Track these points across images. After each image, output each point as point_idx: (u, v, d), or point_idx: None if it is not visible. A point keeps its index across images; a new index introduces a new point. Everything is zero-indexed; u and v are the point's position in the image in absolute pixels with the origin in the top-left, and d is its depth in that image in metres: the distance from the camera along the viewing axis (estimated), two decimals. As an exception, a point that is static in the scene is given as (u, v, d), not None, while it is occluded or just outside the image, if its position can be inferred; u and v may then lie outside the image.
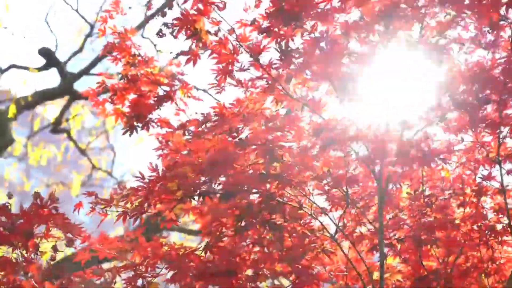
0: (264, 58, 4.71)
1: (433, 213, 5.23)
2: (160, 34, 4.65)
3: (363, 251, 5.43)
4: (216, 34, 4.63)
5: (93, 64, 11.97)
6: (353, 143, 4.59)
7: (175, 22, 4.56)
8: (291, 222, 5.13)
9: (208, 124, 4.74)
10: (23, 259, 4.40)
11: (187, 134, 5.75)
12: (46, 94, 11.36)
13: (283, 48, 4.61)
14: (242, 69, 4.74)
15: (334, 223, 5.13)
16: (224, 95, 5.04)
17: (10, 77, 12.32)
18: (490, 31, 4.70)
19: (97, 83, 5.87)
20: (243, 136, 4.73)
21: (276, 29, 4.60)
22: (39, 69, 11.73)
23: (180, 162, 4.75)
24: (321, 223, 5.10)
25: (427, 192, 5.37)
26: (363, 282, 5.06)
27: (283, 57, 4.64)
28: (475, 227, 5.26)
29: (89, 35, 12.66)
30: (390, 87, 4.75)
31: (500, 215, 5.25)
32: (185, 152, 4.95)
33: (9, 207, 4.32)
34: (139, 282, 4.79)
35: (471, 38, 4.78)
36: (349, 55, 4.62)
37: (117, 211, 4.75)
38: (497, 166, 5.07)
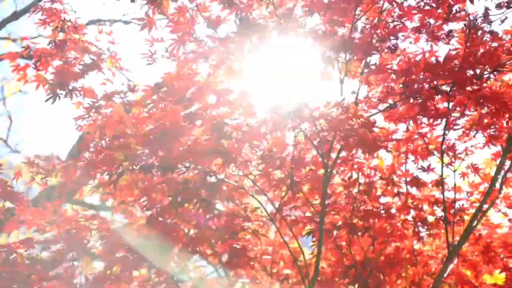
0: (221, 31, 4.57)
1: (370, 201, 5.21)
2: (119, -5, 4.44)
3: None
4: (175, 0, 4.45)
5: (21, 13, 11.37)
6: (306, 122, 4.48)
7: (134, -15, 4.36)
8: (228, 201, 5.04)
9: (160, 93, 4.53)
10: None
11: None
12: None
13: (243, 21, 4.47)
14: (197, 40, 4.57)
15: (273, 205, 5.06)
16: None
17: None
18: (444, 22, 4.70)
19: (22, 47, 5.60)
20: (193, 109, 4.56)
21: (237, 1, 4.46)
22: None
23: (124, 132, 4.55)
24: (259, 202, 5.03)
25: (362, 180, 5.35)
26: (298, 266, 5.02)
27: (241, 30, 4.50)
28: (409, 218, 5.28)
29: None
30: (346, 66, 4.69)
31: (435, 208, 5.28)
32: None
33: None
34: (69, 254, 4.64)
35: (422, 26, 4.76)
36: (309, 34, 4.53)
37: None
38: (435, 159, 5.09)
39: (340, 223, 5.17)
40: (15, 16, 11.39)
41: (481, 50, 4.64)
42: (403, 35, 4.75)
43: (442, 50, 4.86)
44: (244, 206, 5.18)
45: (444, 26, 4.77)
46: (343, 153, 5.00)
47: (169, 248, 4.68)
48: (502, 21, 4.76)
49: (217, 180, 4.85)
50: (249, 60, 4.66)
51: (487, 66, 4.49)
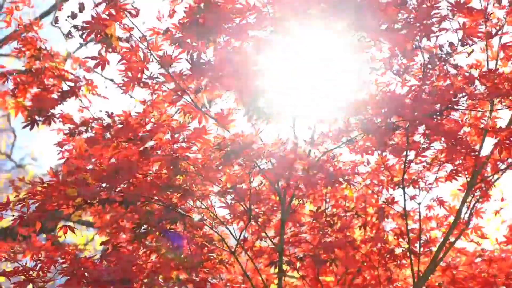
0: (174, 69, 4.60)
1: (335, 233, 5.23)
2: (69, 36, 4.49)
3: (261, 263, 5.42)
4: (127, 40, 4.49)
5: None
6: (259, 159, 4.52)
7: (85, 25, 4.41)
8: (191, 232, 5.09)
9: (112, 131, 4.59)
10: None
11: (89, 131, 5.63)
12: None
13: (195, 60, 4.50)
14: (151, 78, 4.62)
15: (234, 236, 5.10)
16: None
17: None
18: (403, 58, 4.69)
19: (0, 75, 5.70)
20: (148, 145, 4.61)
21: (188, 41, 4.49)
22: None
23: (81, 167, 4.62)
24: (219, 235, 5.06)
25: (329, 211, 5.37)
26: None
27: (194, 69, 4.54)
28: (374, 249, 5.29)
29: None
30: (300, 106, 4.71)
31: (401, 240, 5.29)
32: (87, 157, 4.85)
33: None
34: (29, 286, 4.69)
35: (384, 59, 4.76)
36: (260, 71, 4.55)
37: (13, 215, 4.60)
38: (401, 191, 5.09)
39: (302, 255, 5.19)
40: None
41: (445, 83, 4.67)
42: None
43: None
44: (209, 237, 5.22)
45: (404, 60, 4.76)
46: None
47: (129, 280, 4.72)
48: (469, 54, 4.75)
49: (177, 213, 4.90)
50: (202, 96, 4.70)
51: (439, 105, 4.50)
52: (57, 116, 5.66)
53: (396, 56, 4.72)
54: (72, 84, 5.52)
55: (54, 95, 5.60)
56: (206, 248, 5.18)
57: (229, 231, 5.05)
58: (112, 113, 5.83)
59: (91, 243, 11.74)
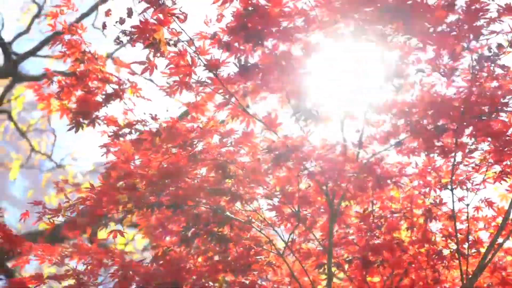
0: (222, 73, 4.60)
1: (382, 234, 5.20)
2: (117, 41, 4.50)
3: (307, 264, 5.40)
4: (175, 45, 4.50)
5: (40, 46, 11.67)
6: (308, 162, 4.50)
7: (133, 30, 4.42)
8: (237, 234, 5.10)
9: (160, 137, 4.59)
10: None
11: (133, 133, 5.64)
12: (-11, 74, 11.05)
13: (242, 63, 4.50)
14: (199, 82, 4.62)
15: (281, 238, 5.09)
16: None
17: None
18: (450, 59, 4.65)
19: (44, 78, 5.74)
20: (197, 150, 4.62)
21: (236, 44, 4.50)
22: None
23: (129, 172, 4.63)
24: (267, 237, 5.06)
25: (375, 212, 5.34)
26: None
27: (241, 73, 4.54)
28: (422, 250, 5.25)
29: (36, 15, 12.37)
30: (348, 108, 4.69)
31: (448, 241, 5.25)
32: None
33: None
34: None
35: (429, 61, 4.72)
36: (307, 74, 4.54)
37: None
38: (448, 192, 5.06)
39: (350, 257, 5.17)
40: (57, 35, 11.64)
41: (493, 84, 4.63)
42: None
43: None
44: (257, 239, 5.23)
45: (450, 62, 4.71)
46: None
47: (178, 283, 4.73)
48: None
49: (225, 216, 4.91)
50: (250, 99, 4.70)
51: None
52: (101, 118, 5.69)
53: (442, 57, 4.67)
54: (116, 87, 5.54)
55: (98, 98, 5.63)
56: (252, 250, 5.19)
57: (277, 233, 5.04)
58: (156, 115, 5.85)
59: (132, 242, 11.79)
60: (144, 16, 4.44)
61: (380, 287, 5.42)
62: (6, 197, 17.55)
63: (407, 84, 4.80)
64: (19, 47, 11.73)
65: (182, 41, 4.53)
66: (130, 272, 4.67)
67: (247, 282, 5.00)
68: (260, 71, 4.52)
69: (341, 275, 5.47)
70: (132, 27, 4.43)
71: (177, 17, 4.42)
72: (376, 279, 5.46)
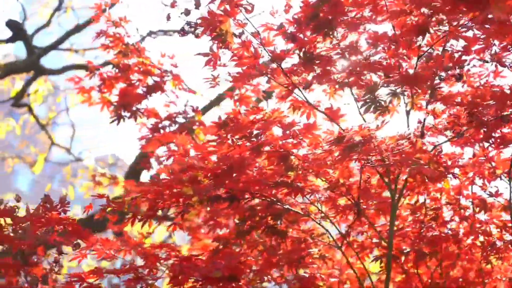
0: (285, 64, 4.58)
1: (437, 226, 5.19)
2: (182, 32, 4.46)
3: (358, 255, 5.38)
4: (239, 36, 4.47)
5: (62, 39, 11.65)
6: (378, 154, 4.44)
7: (199, 22, 4.38)
8: (293, 227, 5.09)
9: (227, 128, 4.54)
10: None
11: (172, 126, 5.62)
12: (13, 67, 10.99)
13: (307, 55, 4.48)
14: (262, 74, 4.59)
15: (339, 231, 5.06)
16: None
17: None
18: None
19: (87, 71, 5.74)
20: (259, 142, 4.58)
21: (301, 35, 4.47)
22: (5, 42, 11.35)
23: (191, 165, 4.60)
24: (326, 230, 5.05)
25: (427, 204, 5.32)
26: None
27: (305, 64, 4.51)
28: (477, 242, 5.24)
29: (57, 9, 12.35)
30: (411, 99, 4.65)
31: (504, 232, 5.23)
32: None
33: (17, 210, 4.10)
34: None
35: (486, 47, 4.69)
36: (375, 64, 4.50)
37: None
38: (503, 183, 5.04)
39: (407, 249, 5.15)
40: (77, 29, 11.68)
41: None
42: (467, 64, 4.69)
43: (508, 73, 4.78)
44: (309, 232, 5.23)
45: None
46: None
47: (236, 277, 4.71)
48: None
49: (283, 208, 4.88)
50: (313, 92, 4.67)
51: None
52: (142, 110, 5.68)
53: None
54: (158, 79, 5.52)
55: (140, 90, 5.61)
56: (305, 243, 5.18)
57: (335, 225, 5.01)
58: (197, 107, 5.83)
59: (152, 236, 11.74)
60: (208, 7, 4.42)
61: (427, 279, 5.40)
62: (11, 190, 17.58)
63: (468, 75, 4.77)
64: (38, 41, 11.67)
65: (247, 32, 4.50)
66: (189, 266, 4.65)
67: (308, 275, 4.98)
68: (324, 62, 4.49)
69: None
70: (199, 18, 4.40)
71: (244, 8, 4.39)
72: (421, 270, 5.44)
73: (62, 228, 4.21)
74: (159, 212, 4.67)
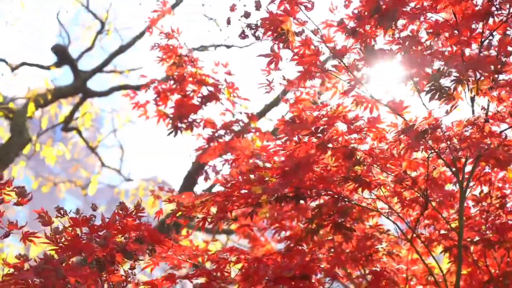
0: (347, 59, 4.60)
1: (505, 214, 5.16)
2: (242, 35, 4.50)
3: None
4: (300, 34, 4.50)
5: (106, 62, 11.78)
6: (447, 141, 4.41)
7: (261, 23, 4.41)
8: (360, 223, 5.10)
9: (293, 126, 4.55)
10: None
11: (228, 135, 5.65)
12: (61, 92, 11.12)
13: (368, 49, 4.50)
14: (323, 70, 4.61)
15: (408, 225, 5.05)
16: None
17: (21, 75, 12.01)
18: None
19: (143, 85, 5.80)
20: (325, 139, 4.59)
21: (361, 30, 4.49)
22: (52, 67, 11.51)
23: (257, 165, 4.63)
24: (396, 224, 5.04)
25: (493, 194, 5.30)
26: (435, 280, 5.05)
27: (367, 58, 4.53)
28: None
29: (100, 32, 12.48)
30: (476, 85, 4.63)
31: None
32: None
33: (94, 219, 4.15)
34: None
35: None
36: (435, 56, 4.49)
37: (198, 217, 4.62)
38: None
39: (476, 238, 5.12)
40: (121, 50, 11.81)
41: None
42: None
43: None
44: (376, 227, 5.23)
45: None
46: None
47: (308, 275, 4.72)
48: None
49: (349, 204, 4.89)
50: (374, 85, 4.68)
51: None
52: (198, 120, 5.71)
53: None
54: (212, 89, 5.55)
55: (195, 101, 5.64)
56: (371, 240, 5.19)
57: (403, 219, 5.00)
58: (252, 114, 5.85)
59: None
60: (267, 8, 4.45)
61: (495, 270, 5.37)
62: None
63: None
64: (82, 64, 11.84)
65: (308, 30, 4.53)
66: (261, 267, 4.67)
67: (378, 270, 4.99)
68: (386, 55, 4.50)
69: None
70: (260, 19, 4.43)
71: (304, 6, 4.42)
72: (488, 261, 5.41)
73: (138, 235, 4.25)
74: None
